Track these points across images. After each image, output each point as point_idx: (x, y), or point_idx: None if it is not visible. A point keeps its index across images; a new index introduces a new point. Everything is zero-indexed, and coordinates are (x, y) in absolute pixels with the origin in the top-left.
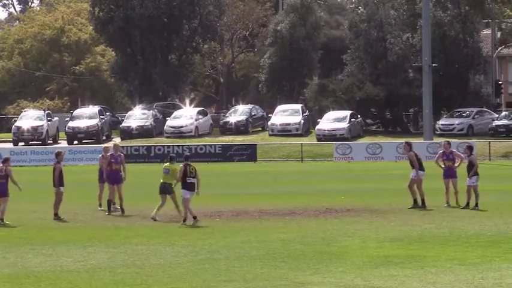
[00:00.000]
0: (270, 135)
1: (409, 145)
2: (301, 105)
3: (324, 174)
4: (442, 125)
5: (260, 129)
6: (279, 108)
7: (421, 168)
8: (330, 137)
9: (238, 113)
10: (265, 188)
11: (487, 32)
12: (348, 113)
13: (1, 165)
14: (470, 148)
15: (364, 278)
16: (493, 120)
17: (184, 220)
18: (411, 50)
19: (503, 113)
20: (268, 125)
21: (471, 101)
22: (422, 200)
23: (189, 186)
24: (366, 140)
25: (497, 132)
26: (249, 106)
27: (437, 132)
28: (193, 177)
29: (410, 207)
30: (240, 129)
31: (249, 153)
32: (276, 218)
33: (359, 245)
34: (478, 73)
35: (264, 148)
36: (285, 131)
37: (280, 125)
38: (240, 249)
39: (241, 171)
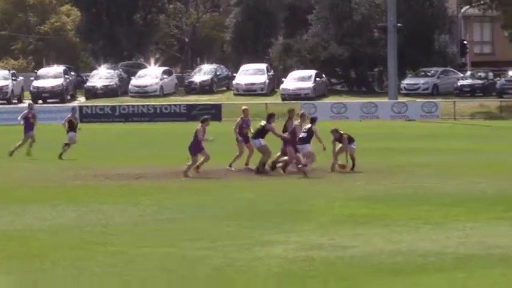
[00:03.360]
0: (235, 94)
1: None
2: (266, 64)
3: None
4: (407, 84)
5: (225, 88)
6: (244, 67)
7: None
8: (294, 96)
9: (203, 73)
10: (230, 147)
11: None
12: (312, 72)
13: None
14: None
15: (329, 237)
16: (458, 79)
17: None
18: (376, 10)
19: (468, 73)
20: (233, 84)
21: (436, 61)
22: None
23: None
24: (330, 100)
25: (462, 92)
26: (214, 66)
27: (402, 92)
28: None
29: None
30: (205, 88)
31: (214, 113)
32: (242, 177)
33: (325, 204)
34: (443, 33)
35: (229, 108)
36: (250, 91)
37: (245, 84)
38: (206, 208)
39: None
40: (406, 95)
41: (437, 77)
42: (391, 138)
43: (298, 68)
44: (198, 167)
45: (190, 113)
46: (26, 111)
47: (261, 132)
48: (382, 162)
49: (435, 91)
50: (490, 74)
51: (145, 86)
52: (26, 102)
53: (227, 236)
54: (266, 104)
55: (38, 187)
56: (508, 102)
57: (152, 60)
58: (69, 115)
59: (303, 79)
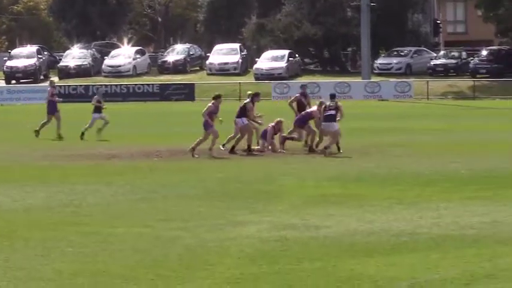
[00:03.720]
0: (208, 74)
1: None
2: (239, 44)
3: (262, 113)
4: (380, 64)
5: (198, 68)
6: (217, 47)
7: None
8: (268, 76)
9: (176, 52)
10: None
11: None
12: (286, 52)
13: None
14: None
15: (302, 217)
16: (431, 59)
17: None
18: None
19: (442, 52)
20: (206, 64)
21: (409, 40)
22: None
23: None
24: (304, 79)
25: (435, 72)
26: (187, 45)
27: (376, 72)
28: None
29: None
30: (178, 68)
31: (187, 93)
32: (213, 157)
33: (297, 184)
34: (417, 12)
35: (202, 87)
36: (223, 70)
37: (218, 64)
38: (177, 188)
39: (179, 110)
40: (379, 74)
41: (411, 56)
42: (364, 118)
43: (271, 48)
44: (193, 148)
45: (163, 93)
46: (49, 89)
47: (244, 111)
48: (355, 142)
49: (408, 71)
50: (464, 54)
51: (119, 66)
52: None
53: (199, 216)
54: (239, 83)
55: (6, 167)
56: (481, 82)
57: (125, 40)
58: (96, 96)
59: (276, 59)
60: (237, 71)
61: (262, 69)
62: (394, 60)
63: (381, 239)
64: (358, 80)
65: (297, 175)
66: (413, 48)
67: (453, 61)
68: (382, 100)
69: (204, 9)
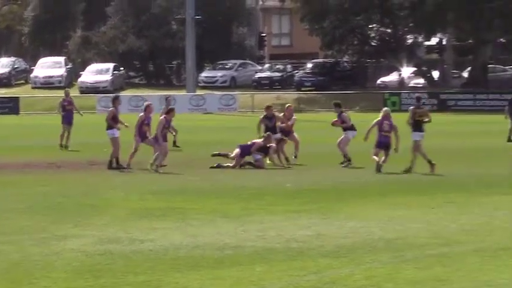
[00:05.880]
0: (32, 87)
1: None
2: (64, 57)
3: (87, 127)
4: (205, 77)
5: (23, 82)
6: (42, 60)
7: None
8: (92, 89)
9: (0, 66)
10: (27, 141)
11: None
12: (110, 65)
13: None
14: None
15: (126, 231)
16: (256, 72)
17: None
18: (175, 3)
19: (267, 65)
20: (31, 77)
21: (234, 53)
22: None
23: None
24: (128, 93)
25: (260, 85)
26: (12, 58)
27: (201, 85)
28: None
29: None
30: (3, 81)
31: (11, 106)
32: (38, 171)
33: (122, 198)
34: (242, 25)
35: (27, 101)
36: (47, 84)
37: (43, 77)
38: (1, 202)
39: (3, 124)
40: (204, 87)
41: (235, 69)
42: (189, 131)
43: (96, 61)
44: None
45: None
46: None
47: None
48: (179, 155)
49: (233, 84)
50: (288, 67)
51: None
52: None
53: (23, 230)
54: None
55: None
56: (307, 95)
57: None
58: None
59: (100, 72)
60: (61, 84)
61: (86, 83)
62: (219, 73)
63: (205, 253)
64: (183, 93)
65: (121, 188)
66: (238, 61)
67: (278, 74)
68: (207, 113)
69: (29, 22)
